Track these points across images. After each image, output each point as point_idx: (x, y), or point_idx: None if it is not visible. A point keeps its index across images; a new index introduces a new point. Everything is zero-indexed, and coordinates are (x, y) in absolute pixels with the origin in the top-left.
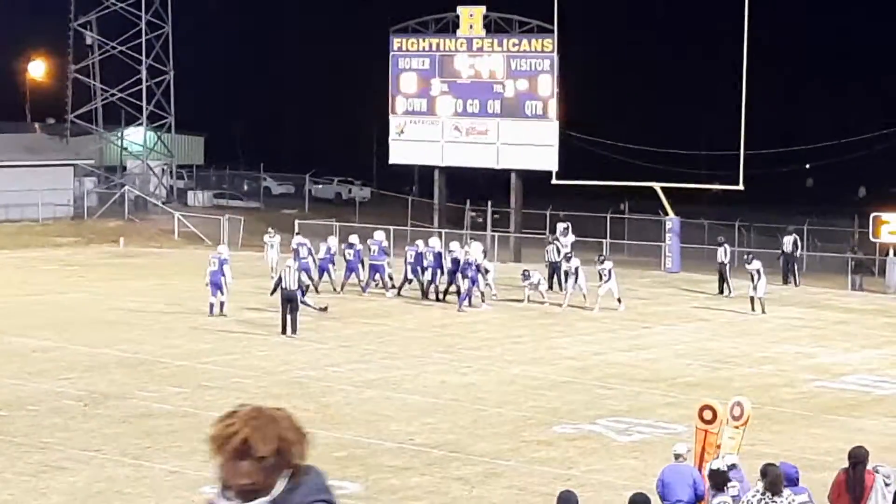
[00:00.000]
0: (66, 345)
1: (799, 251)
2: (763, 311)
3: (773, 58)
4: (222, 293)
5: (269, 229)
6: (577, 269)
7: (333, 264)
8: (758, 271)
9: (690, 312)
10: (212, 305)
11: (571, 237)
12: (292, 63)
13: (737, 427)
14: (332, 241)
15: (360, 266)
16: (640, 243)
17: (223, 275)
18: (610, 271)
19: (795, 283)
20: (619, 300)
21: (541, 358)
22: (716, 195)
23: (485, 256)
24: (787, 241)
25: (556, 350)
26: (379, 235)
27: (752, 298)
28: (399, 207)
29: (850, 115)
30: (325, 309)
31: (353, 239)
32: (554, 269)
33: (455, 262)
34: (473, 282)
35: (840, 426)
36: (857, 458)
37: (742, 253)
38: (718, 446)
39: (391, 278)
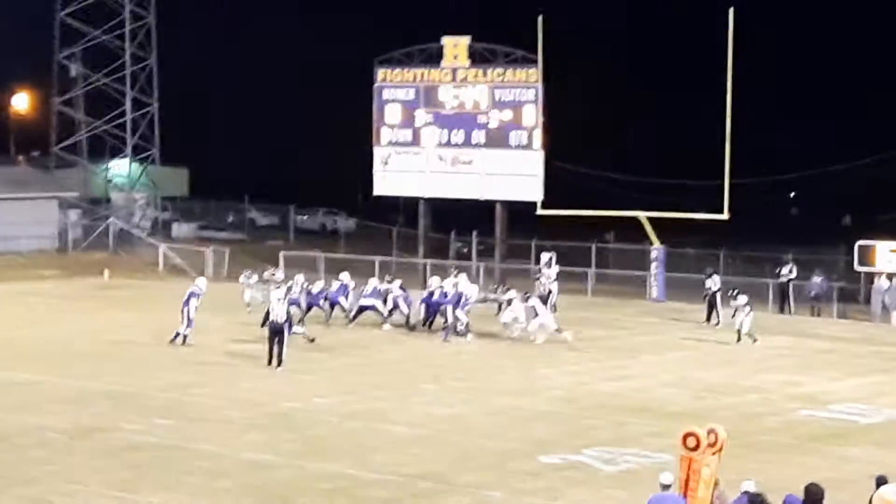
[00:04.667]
0: (51, 377)
1: (794, 278)
2: (754, 341)
3: (758, 86)
4: (181, 323)
5: (246, 271)
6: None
7: (326, 299)
8: (744, 306)
9: (676, 342)
10: (176, 334)
11: (556, 268)
12: (276, 94)
13: (713, 454)
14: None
15: (340, 299)
16: (625, 273)
17: (186, 305)
18: (535, 307)
19: (790, 311)
20: (558, 330)
21: (526, 388)
22: (701, 225)
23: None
24: (786, 270)
25: (542, 380)
26: (373, 282)
27: (738, 331)
28: (384, 238)
29: (834, 143)
30: (313, 340)
31: (344, 276)
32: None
33: (430, 294)
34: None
35: (827, 455)
36: (815, 497)
37: (727, 282)
38: (717, 482)
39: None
